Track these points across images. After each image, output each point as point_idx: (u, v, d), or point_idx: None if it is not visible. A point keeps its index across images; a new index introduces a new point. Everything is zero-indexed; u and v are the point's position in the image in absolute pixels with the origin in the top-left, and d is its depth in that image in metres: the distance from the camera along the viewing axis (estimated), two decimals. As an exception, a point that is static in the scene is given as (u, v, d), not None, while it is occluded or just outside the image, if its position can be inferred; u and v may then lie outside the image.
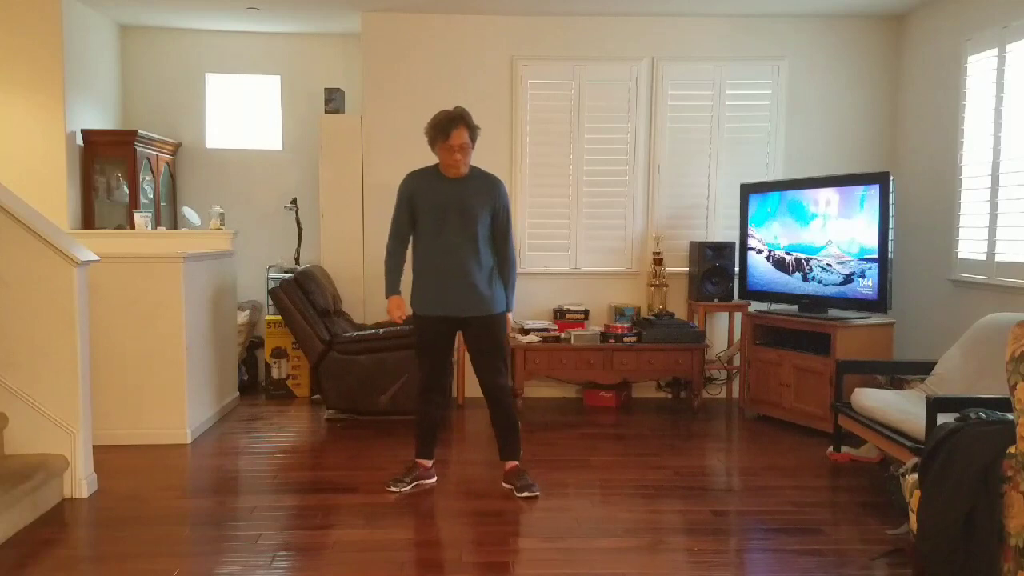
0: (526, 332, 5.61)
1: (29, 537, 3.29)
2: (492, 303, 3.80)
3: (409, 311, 3.94)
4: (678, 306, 5.98)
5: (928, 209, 5.44)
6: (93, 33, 5.95)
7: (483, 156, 6.00)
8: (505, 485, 3.93)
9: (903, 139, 5.89)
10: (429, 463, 4.01)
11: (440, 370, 3.92)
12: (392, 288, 3.92)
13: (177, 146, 6.49)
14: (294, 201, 6.44)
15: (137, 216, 5.54)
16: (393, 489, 3.86)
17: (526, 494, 3.79)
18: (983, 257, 4.84)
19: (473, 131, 3.72)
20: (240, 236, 5.90)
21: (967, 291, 5.01)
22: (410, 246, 3.94)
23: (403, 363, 5.12)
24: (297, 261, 6.40)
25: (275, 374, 5.98)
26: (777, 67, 5.93)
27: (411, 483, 3.90)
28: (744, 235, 5.65)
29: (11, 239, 3.64)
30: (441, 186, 3.76)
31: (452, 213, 3.71)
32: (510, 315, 3.92)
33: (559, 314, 5.82)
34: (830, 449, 4.52)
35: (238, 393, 5.79)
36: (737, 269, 5.75)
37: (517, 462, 3.95)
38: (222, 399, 5.37)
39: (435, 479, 4.02)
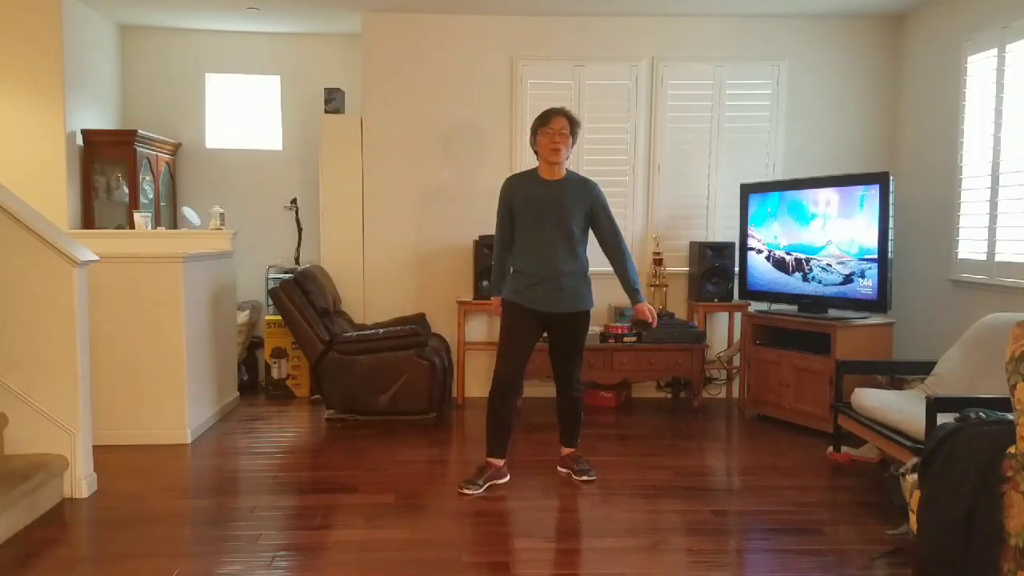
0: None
1: (29, 537, 3.29)
2: (579, 300, 3.90)
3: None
4: (678, 306, 5.98)
5: (928, 209, 5.44)
6: (93, 33, 5.95)
7: (483, 156, 6.02)
8: (561, 470, 4.14)
9: (903, 139, 5.89)
10: (501, 462, 3.98)
11: (518, 366, 3.91)
12: (496, 290, 4.10)
13: (177, 146, 6.49)
14: (294, 201, 6.45)
15: (137, 216, 5.55)
16: (466, 491, 3.83)
17: (584, 478, 4.01)
18: (983, 257, 4.84)
19: (573, 124, 3.88)
20: (240, 236, 5.90)
21: (967, 291, 5.01)
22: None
23: (403, 363, 5.12)
24: (297, 261, 6.40)
25: (275, 374, 5.98)
26: (777, 67, 5.93)
27: (484, 484, 3.88)
28: (744, 235, 5.65)
29: (11, 239, 3.64)
30: (539, 187, 3.88)
31: (550, 212, 3.81)
32: (644, 305, 3.93)
33: (559, 314, 5.82)
34: (830, 449, 4.52)
35: (238, 393, 5.80)
36: (737, 269, 5.75)
37: (574, 448, 4.14)
38: (222, 399, 5.36)
39: (508, 478, 4.00)
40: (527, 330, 3.91)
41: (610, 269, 5.98)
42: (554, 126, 3.82)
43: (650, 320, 3.95)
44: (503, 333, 3.95)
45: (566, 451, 4.14)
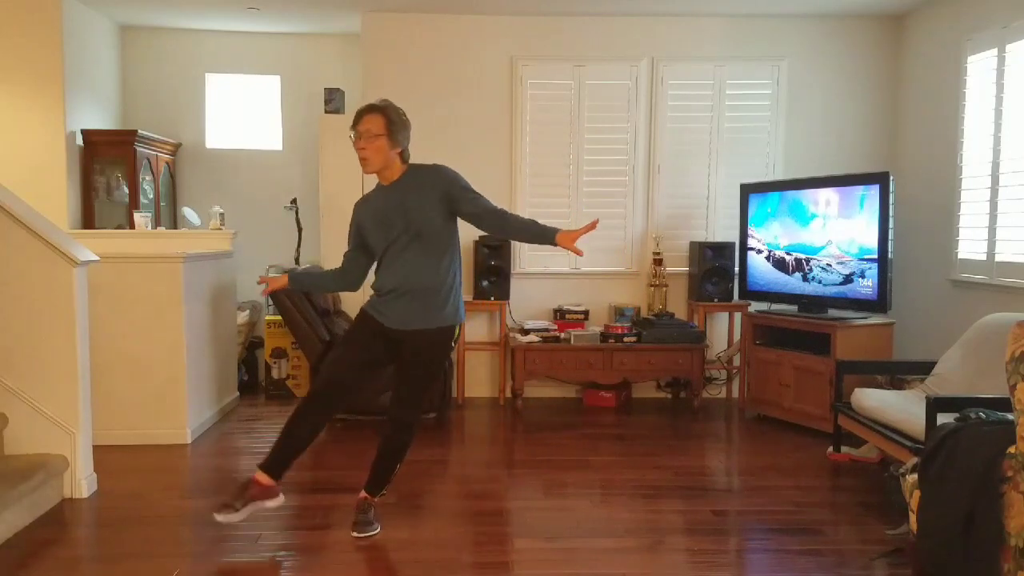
0: (526, 332, 5.62)
1: (29, 537, 3.29)
2: (433, 316, 3.26)
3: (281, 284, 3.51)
4: (678, 306, 5.98)
5: (928, 209, 5.44)
6: (93, 33, 5.95)
7: (483, 156, 6.01)
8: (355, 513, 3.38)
9: (903, 139, 5.89)
10: (273, 482, 3.28)
11: (337, 377, 3.29)
12: (295, 281, 3.55)
13: (177, 146, 6.49)
14: (294, 201, 6.44)
15: (137, 216, 5.55)
16: (222, 518, 3.22)
17: (355, 533, 3.29)
18: (983, 257, 4.84)
19: (389, 121, 3.14)
20: (240, 236, 5.90)
21: (967, 291, 5.01)
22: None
23: (403, 363, 5.11)
24: (297, 261, 6.39)
25: (275, 374, 5.98)
26: (777, 67, 5.92)
27: (243, 507, 3.24)
28: (744, 235, 5.65)
29: (11, 239, 3.64)
30: (381, 198, 3.25)
31: (396, 220, 3.18)
32: (566, 233, 3.23)
33: (559, 314, 5.82)
34: (830, 449, 4.52)
35: (238, 393, 5.79)
36: (737, 269, 5.75)
37: (370, 496, 3.41)
38: (222, 399, 5.36)
39: (280, 499, 3.33)
40: (365, 344, 3.30)
41: (607, 269, 6.09)
42: (358, 129, 3.14)
43: (577, 246, 3.25)
44: (341, 342, 3.49)
45: (362, 495, 3.40)
